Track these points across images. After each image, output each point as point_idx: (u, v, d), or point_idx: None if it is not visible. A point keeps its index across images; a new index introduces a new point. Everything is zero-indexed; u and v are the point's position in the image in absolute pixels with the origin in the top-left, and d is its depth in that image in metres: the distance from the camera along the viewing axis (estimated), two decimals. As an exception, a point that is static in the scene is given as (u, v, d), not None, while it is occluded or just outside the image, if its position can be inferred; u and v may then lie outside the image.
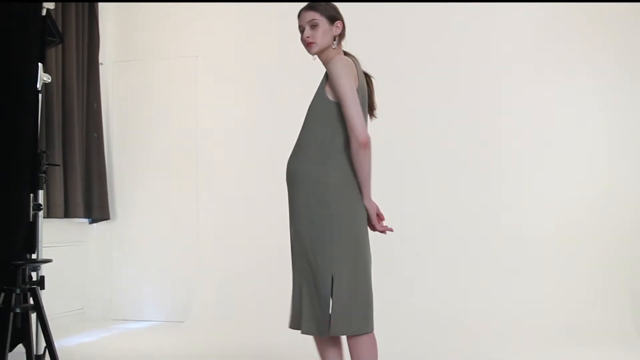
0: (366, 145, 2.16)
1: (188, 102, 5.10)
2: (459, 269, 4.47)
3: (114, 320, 5.04)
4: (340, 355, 2.39)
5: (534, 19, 4.53)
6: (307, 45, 2.32)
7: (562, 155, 4.44)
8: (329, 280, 2.18)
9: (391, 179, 4.44)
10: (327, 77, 2.30)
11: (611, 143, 4.40)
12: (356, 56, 2.40)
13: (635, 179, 4.34)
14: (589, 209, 4.36)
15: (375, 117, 2.44)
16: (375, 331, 2.27)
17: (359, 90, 2.24)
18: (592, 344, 3.84)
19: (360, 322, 2.20)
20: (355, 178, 2.24)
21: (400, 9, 4.69)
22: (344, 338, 2.31)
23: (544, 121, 4.47)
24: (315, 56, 2.36)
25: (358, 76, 2.28)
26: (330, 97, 2.25)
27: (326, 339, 2.33)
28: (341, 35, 2.37)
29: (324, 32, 2.29)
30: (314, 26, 2.29)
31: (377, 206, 2.32)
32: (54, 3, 3.06)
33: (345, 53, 2.40)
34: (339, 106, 2.23)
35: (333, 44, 2.32)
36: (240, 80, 5.01)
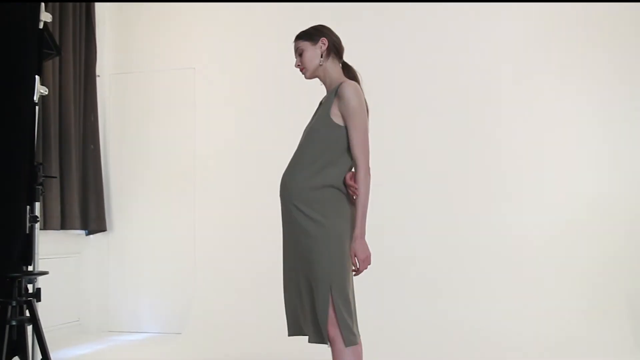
0: (369, 173, 2.29)
1: (185, 113, 5.12)
2: (455, 277, 4.47)
3: (111, 331, 5.02)
4: None
5: (532, 20, 4.55)
6: (301, 71, 2.48)
7: (560, 161, 4.45)
8: (328, 290, 2.22)
9: (388, 185, 4.45)
10: (331, 101, 2.35)
11: (609, 150, 4.40)
12: (356, 68, 2.48)
13: (633, 185, 4.35)
14: (586, 215, 4.37)
15: None
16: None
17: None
18: (589, 353, 3.83)
19: (351, 333, 2.24)
20: (346, 197, 2.32)
21: (398, 9, 4.73)
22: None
23: (541, 126, 4.48)
24: (315, 80, 2.49)
25: (365, 102, 2.37)
26: (337, 120, 2.32)
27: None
28: (329, 50, 2.44)
29: (309, 56, 2.43)
30: (300, 54, 2.45)
31: (367, 248, 2.27)
32: (51, 16, 3.07)
33: (345, 65, 2.49)
34: (342, 130, 2.31)
35: (320, 60, 2.42)
36: (237, 91, 5.03)
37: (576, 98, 4.48)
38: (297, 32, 2.48)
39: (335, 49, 2.45)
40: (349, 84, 2.33)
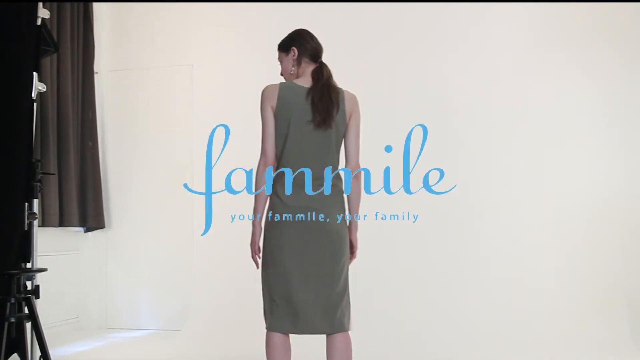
0: (264, 164, 2.41)
1: (183, 110, 5.11)
2: (454, 277, 4.47)
3: (110, 329, 5.02)
4: None
5: (535, 18, 4.54)
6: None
7: (560, 162, 4.44)
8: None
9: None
10: None
11: (608, 150, 4.40)
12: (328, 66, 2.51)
13: (632, 185, 4.35)
14: (587, 217, 4.37)
15: (330, 127, 2.39)
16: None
17: (279, 113, 2.38)
18: (589, 353, 3.84)
19: None
20: (275, 200, 2.43)
21: (397, 8, 4.71)
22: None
23: (541, 126, 4.48)
24: None
25: (280, 98, 2.37)
26: None
27: None
28: (300, 57, 2.50)
29: (284, 66, 2.57)
30: (280, 64, 2.61)
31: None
32: (49, 12, 3.07)
33: (322, 64, 2.51)
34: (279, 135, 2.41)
35: (291, 69, 2.52)
36: (235, 89, 5.02)
37: (577, 100, 4.47)
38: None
39: (309, 53, 2.50)
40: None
